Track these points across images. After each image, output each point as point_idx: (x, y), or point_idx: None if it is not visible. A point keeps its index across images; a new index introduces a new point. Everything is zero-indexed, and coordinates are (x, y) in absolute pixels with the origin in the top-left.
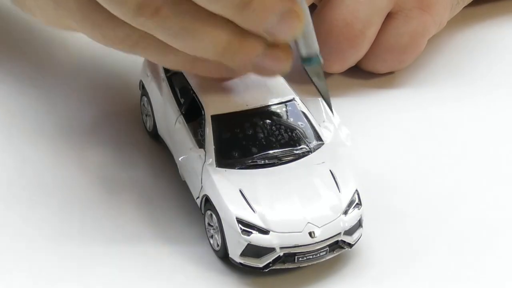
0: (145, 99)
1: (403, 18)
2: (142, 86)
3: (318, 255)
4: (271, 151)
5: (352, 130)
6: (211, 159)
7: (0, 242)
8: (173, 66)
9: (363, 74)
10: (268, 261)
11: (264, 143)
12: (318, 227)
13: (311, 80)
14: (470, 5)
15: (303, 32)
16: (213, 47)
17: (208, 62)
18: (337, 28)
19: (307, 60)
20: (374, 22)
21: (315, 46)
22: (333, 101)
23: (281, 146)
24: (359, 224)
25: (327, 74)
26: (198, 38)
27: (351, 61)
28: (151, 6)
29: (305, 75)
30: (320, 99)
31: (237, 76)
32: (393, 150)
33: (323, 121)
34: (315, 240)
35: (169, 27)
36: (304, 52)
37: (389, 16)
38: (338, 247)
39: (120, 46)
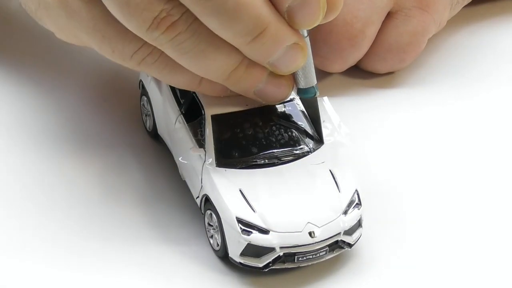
0: (145, 98)
1: (403, 17)
2: (142, 86)
3: (318, 255)
4: (271, 151)
5: (352, 129)
6: (211, 158)
7: (0, 239)
8: (179, 85)
9: (363, 73)
10: (268, 261)
11: (264, 143)
12: (318, 227)
13: (305, 110)
14: (470, 4)
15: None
16: (220, 71)
17: (214, 83)
18: (337, 27)
19: (303, 91)
20: (374, 21)
21: (313, 78)
22: (334, 101)
23: (281, 146)
24: (358, 224)
25: (327, 74)
26: (208, 60)
27: (351, 61)
28: (167, 21)
29: None
30: (320, 98)
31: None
32: (393, 150)
33: (323, 121)
34: (315, 240)
35: (181, 44)
36: (302, 83)
37: (389, 16)
38: (338, 247)
39: (128, 62)
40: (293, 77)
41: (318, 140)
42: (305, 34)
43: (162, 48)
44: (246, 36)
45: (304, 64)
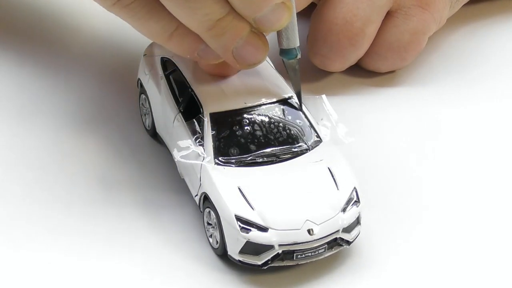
0: (144, 97)
1: (403, 16)
2: (140, 85)
3: (317, 252)
4: (269, 149)
5: (352, 128)
6: (210, 157)
7: (0, 238)
8: (150, 34)
9: (364, 72)
10: (267, 259)
11: (263, 141)
12: (317, 224)
13: (287, 72)
14: (470, 3)
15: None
16: (205, 18)
17: (185, 39)
18: (336, 26)
19: (285, 52)
20: (374, 20)
21: (295, 40)
22: (334, 99)
23: (280, 144)
24: (357, 222)
25: (327, 73)
26: (197, 3)
27: (351, 59)
28: None
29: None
30: (318, 97)
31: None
32: (393, 148)
33: (321, 119)
34: (314, 237)
35: None
36: (284, 44)
37: (389, 15)
38: (337, 245)
39: (102, 0)
40: (277, 37)
41: (317, 138)
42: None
43: None
44: None
45: (287, 25)
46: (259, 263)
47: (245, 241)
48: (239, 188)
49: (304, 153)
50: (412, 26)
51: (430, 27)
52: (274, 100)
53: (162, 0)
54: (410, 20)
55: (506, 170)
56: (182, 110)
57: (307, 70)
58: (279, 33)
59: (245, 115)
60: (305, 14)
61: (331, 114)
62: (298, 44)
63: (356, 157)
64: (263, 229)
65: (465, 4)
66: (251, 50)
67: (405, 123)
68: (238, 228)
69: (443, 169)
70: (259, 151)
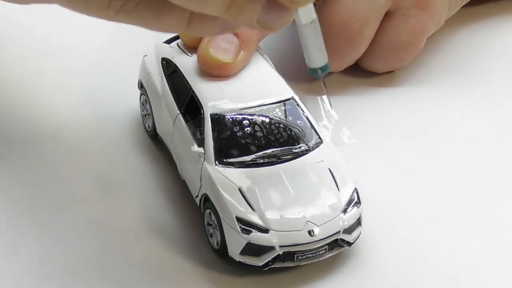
0: (144, 98)
1: (402, 16)
2: (141, 85)
3: (318, 253)
4: (270, 150)
5: (352, 128)
6: (210, 158)
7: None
8: (166, 28)
9: (362, 72)
10: (268, 260)
11: (263, 142)
12: (318, 225)
13: (323, 84)
14: (469, 4)
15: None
16: (219, 3)
17: (204, 21)
18: (335, 26)
19: (309, 69)
20: (372, 21)
21: (314, 60)
22: (333, 100)
23: (280, 145)
24: (358, 223)
25: (327, 73)
26: None
27: (349, 60)
28: None
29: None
30: (319, 97)
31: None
32: (393, 149)
33: (322, 120)
34: (315, 238)
35: None
36: (306, 61)
37: (388, 15)
38: (337, 246)
39: (105, 11)
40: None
41: (317, 138)
42: (314, 16)
43: None
44: None
45: (307, 43)
46: (260, 264)
47: (245, 242)
48: (239, 189)
49: (305, 154)
50: (411, 26)
51: (428, 28)
52: (275, 100)
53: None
54: (408, 21)
55: (506, 170)
56: (182, 111)
57: (305, 70)
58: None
59: (245, 116)
60: None
61: (332, 114)
62: (318, 65)
63: (356, 158)
64: (264, 230)
65: (464, 5)
66: (275, 14)
67: (404, 123)
68: (239, 230)
69: (443, 169)
70: (260, 152)
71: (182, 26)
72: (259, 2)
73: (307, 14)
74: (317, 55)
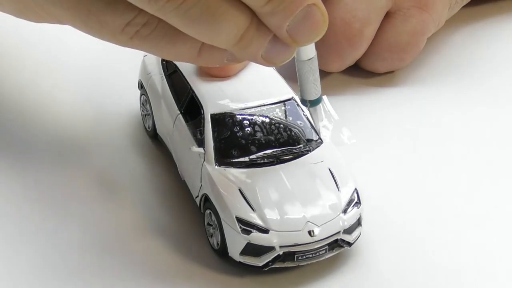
0: (144, 98)
1: (402, 17)
2: (141, 86)
3: (318, 253)
4: (270, 150)
5: (352, 128)
6: (211, 158)
7: (0, 238)
8: (177, 57)
9: (362, 72)
10: (268, 260)
11: (263, 142)
12: (318, 226)
13: (311, 116)
14: (469, 4)
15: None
16: (230, 35)
17: (214, 52)
18: (335, 27)
19: (312, 102)
20: (373, 21)
21: (306, 92)
22: (333, 100)
23: (280, 145)
24: (358, 223)
25: (326, 73)
26: (218, 24)
27: (349, 60)
28: None
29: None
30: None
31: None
32: (393, 149)
33: (322, 120)
34: (315, 239)
35: (189, 10)
36: (299, 93)
37: (388, 15)
38: (338, 246)
39: (118, 36)
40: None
41: (318, 139)
42: (313, 53)
43: (166, 18)
44: None
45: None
46: (260, 264)
47: (245, 242)
48: (240, 190)
49: (305, 154)
50: (411, 27)
51: (429, 28)
52: (275, 101)
53: (182, 29)
54: (409, 21)
55: (507, 170)
56: (182, 111)
57: None
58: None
59: (245, 116)
60: None
61: (332, 115)
62: (309, 98)
63: (356, 158)
64: (264, 230)
65: (464, 6)
66: (279, 50)
67: (404, 123)
68: (239, 230)
69: (443, 170)
70: (260, 152)
71: (193, 55)
72: (266, 38)
73: (307, 51)
74: (310, 89)
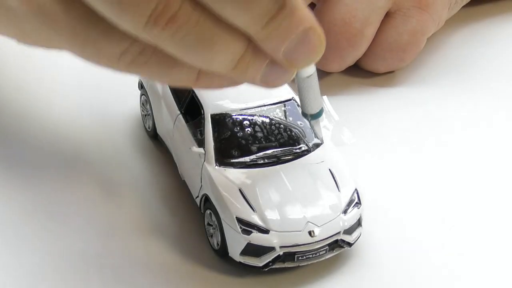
0: (145, 98)
1: (402, 17)
2: (141, 86)
3: (318, 254)
4: (270, 150)
5: (352, 128)
6: (211, 158)
7: (0, 238)
8: (175, 83)
9: (363, 73)
10: (268, 260)
11: (264, 142)
12: (318, 226)
13: (312, 127)
14: (469, 4)
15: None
16: (227, 61)
17: (212, 76)
18: (335, 27)
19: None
20: (373, 21)
21: (306, 107)
22: (333, 100)
23: (281, 145)
24: (358, 223)
25: (326, 73)
26: (214, 51)
27: (350, 60)
28: (166, 13)
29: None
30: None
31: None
32: (393, 149)
33: (322, 121)
34: (315, 239)
35: (184, 37)
36: (315, 110)
37: (388, 16)
38: (338, 246)
39: (115, 64)
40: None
41: (318, 139)
42: (313, 70)
43: (161, 45)
44: (264, 18)
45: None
46: (260, 264)
47: (246, 243)
48: (240, 190)
49: (305, 154)
50: (411, 27)
51: (429, 28)
52: (275, 101)
53: (178, 56)
54: (409, 21)
55: (506, 170)
56: (182, 111)
57: None
58: (303, 101)
59: (246, 117)
60: None
61: (333, 115)
62: (310, 112)
63: (356, 158)
64: (264, 231)
65: (464, 6)
66: (277, 73)
67: (404, 123)
68: (239, 230)
69: (444, 170)
70: (260, 153)
71: (191, 80)
72: (263, 62)
73: (307, 69)
74: (311, 104)
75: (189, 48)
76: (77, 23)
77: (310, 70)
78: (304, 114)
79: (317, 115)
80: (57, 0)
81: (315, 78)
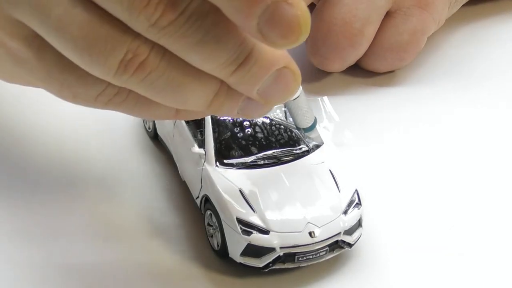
0: None
1: (402, 16)
2: None
3: (318, 255)
4: (270, 151)
5: (352, 128)
6: (211, 159)
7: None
8: (155, 117)
9: (363, 72)
10: (268, 261)
11: (264, 143)
12: (318, 227)
13: (309, 137)
14: (469, 3)
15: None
16: (200, 101)
17: (190, 111)
18: (336, 27)
19: (306, 129)
20: (373, 21)
21: (299, 121)
22: (334, 100)
23: (281, 146)
24: (359, 224)
25: (327, 73)
26: (185, 93)
27: (350, 60)
28: (135, 61)
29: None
30: (320, 98)
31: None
32: (393, 149)
33: (323, 121)
34: (315, 240)
35: (154, 83)
36: (306, 125)
37: (388, 15)
38: (338, 247)
39: (93, 104)
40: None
41: (318, 140)
42: (299, 92)
43: (133, 89)
44: (231, 66)
45: (291, 105)
46: (260, 265)
47: (246, 243)
48: (240, 191)
49: (306, 155)
50: (411, 26)
51: (429, 27)
52: None
53: (151, 98)
54: (409, 20)
55: (507, 170)
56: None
57: (306, 70)
58: (293, 116)
59: None
60: None
61: (333, 116)
62: (302, 127)
63: (357, 158)
64: (264, 231)
65: (464, 4)
66: (255, 106)
67: (405, 123)
68: (239, 231)
69: (444, 169)
70: (261, 153)
71: (170, 115)
72: (238, 99)
73: None
74: (301, 120)
75: (160, 92)
76: (52, 68)
77: (296, 93)
78: (298, 128)
79: (309, 129)
80: (30, 47)
81: (301, 98)
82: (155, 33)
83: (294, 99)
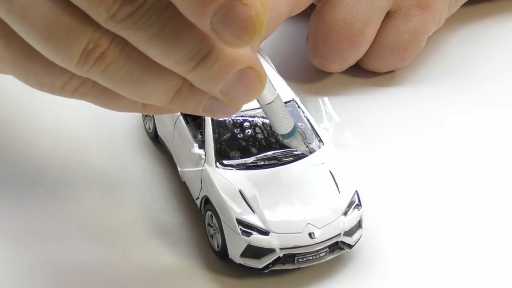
0: None
1: (403, 16)
2: None
3: (318, 256)
4: (271, 152)
5: (353, 129)
6: (211, 159)
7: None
8: (122, 110)
9: (364, 73)
10: (268, 262)
11: (264, 144)
12: (318, 228)
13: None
14: (469, 3)
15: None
16: (162, 96)
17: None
18: (336, 27)
19: (284, 136)
20: (373, 21)
21: (277, 127)
22: (334, 100)
23: (281, 147)
24: (359, 225)
25: (327, 73)
26: (146, 87)
27: (351, 60)
28: (96, 52)
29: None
30: (320, 99)
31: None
32: (394, 149)
33: (323, 122)
34: (315, 241)
35: (114, 74)
36: (284, 131)
37: (389, 15)
38: (338, 248)
39: (60, 93)
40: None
41: (318, 140)
42: (273, 97)
43: (96, 80)
44: (190, 62)
45: (270, 110)
46: (260, 266)
47: (246, 244)
48: (240, 192)
49: (306, 156)
50: (412, 26)
51: (429, 27)
52: None
53: (112, 89)
54: (409, 20)
55: (508, 170)
56: (183, 113)
57: (307, 71)
58: (272, 123)
59: (246, 118)
60: (305, 14)
61: (333, 116)
62: (280, 133)
63: (357, 159)
64: (264, 232)
65: (464, 4)
66: (222, 105)
67: (405, 123)
68: (239, 232)
69: (444, 170)
70: (261, 154)
71: (137, 108)
72: (203, 97)
73: (266, 97)
74: (278, 126)
75: (120, 85)
76: (18, 56)
77: (269, 98)
78: (277, 134)
79: (288, 136)
80: None
81: (277, 103)
82: (114, 25)
83: (268, 103)
